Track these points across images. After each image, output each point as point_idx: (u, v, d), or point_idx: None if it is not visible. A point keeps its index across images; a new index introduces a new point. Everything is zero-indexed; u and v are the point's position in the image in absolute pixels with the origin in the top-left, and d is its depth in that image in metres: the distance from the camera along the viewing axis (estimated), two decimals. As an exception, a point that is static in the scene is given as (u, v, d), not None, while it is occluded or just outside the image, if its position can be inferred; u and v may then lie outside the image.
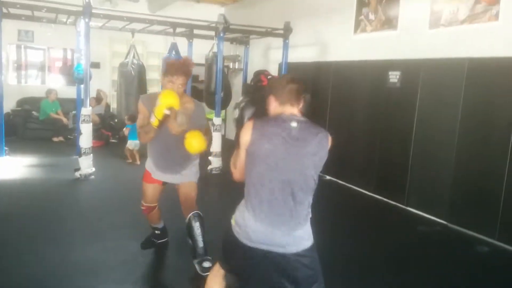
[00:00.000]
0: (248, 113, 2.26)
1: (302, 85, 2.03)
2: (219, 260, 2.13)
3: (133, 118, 6.91)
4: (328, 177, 6.46)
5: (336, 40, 6.46)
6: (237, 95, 7.99)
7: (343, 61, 6.21)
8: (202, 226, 3.04)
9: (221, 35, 6.29)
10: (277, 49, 7.95)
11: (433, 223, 4.74)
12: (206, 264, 2.96)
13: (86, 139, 5.73)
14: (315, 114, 6.76)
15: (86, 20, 5.55)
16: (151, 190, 3.23)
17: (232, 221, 1.98)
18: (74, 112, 8.78)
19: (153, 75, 9.44)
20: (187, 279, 3.22)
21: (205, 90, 7.52)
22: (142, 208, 3.34)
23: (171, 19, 6.24)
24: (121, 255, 3.52)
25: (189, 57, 2.91)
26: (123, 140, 8.75)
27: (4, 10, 5.75)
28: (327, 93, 6.49)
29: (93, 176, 5.81)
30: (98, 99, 8.85)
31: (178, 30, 7.05)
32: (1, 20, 5.67)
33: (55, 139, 8.47)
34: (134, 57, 7.15)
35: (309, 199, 1.95)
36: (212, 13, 9.00)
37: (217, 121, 6.44)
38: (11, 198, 4.91)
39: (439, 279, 3.41)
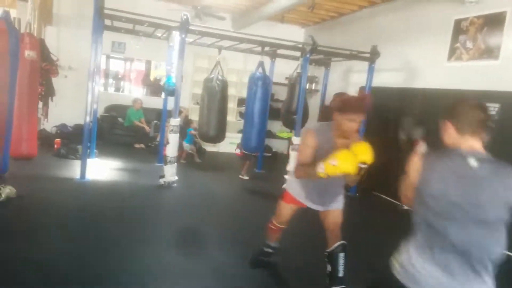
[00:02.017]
0: (417, 132, 2.06)
1: (489, 114, 1.75)
2: None
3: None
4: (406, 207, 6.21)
5: (426, 66, 6.28)
6: (314, 116, 8.00)
7: (433, 88, 6.01)
8: (346, 257, 2.98)
9: (308, 56, 6.34)
10: (357, 72, 7.89)
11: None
12: None
13: (172, 148, 5.97)
14: (394, 141, 6.62)
15: (183, 35, 5.84)
16: (288, 212, 3.18)
17: (395, 262, 1.82)
18: (156, 121, 9.26)
19: (231, 91, 9.68)
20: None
21: (285, 109, 7.57)
22: (272, 227, 3.33)
23: (259, 37, 6.39)
24: (210, 263, 3.60)
25: (367, 93, 2.70)
26: (199, 151, 9.09)
27: (107, 23, 6.17)
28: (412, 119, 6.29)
29: (175, 184, 6.02)
30: (180, 112, 9.22)
31: (262, 49, 7.22)
32: (103, 32, 6.10)
33: (136, 145, 8.92)
34: (218, 73, 7.36)
35: (496, 252, 1.66)
36: (293, 33, 9.18)
37: (295, 140, 6.45)
38: (103, 196, 5.24)
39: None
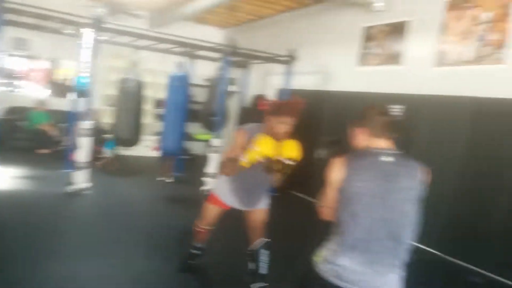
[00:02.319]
0: (334, 150, 2.19)
1: (393, 117, 1.98)
2: None
3: None
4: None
5: (339, 70, 6.61)
6: (234, 118, 8.02)
7: (346, 91, 6.34)
8: (270, 255, 3.04)
9: (228, 58, 6.34)
10: (276, 75, 8.06)
11: (426, 252, 4.82)
12: None
13: (83, 153, 5.60)
14: (310, 142, 6.87)
15: (96, 34, 5.52)
16: (213, 213, 3.17)
17: (317, 258, 1.92)
18: (62, 124, 8.64)
19: (147, 92, 9.34)
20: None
21: (204, 111, 7.49)
22: (198, 230, 3.28)
23: (179, 38, 6.26)
24: (131, 272, 3.43)
25: (299, 97, 2.82)
26: (117, 156, 8.66)
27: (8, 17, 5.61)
28: (325, 120, 6.59)
29: (88, 191, 5.65)
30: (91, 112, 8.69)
31: (181, 49, 7.08)
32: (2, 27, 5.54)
33: (40, 150, 8.23)
34: (134, 73, 7.08)
35: (408, 238, 1.86)
36: (212, 35, 9.13)
37: (216, 142, 6.41)
38: (3, 208, 4.72)
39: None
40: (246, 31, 9.21)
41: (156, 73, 9.60)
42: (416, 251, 4.72)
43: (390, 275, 1.82)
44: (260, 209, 3.12)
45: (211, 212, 3.18)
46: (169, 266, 3.56)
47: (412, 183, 1.86)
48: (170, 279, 3.39)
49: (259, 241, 3.06)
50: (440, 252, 4.74)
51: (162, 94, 9.66)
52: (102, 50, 8.71)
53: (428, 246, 4.85)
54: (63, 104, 9.02)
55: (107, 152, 7.57)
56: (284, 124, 2.73)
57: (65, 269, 3.34)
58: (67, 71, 9.97)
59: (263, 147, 2.56)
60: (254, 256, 3.05)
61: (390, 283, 1.82)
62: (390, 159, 1.85)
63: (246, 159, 2.61)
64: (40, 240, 3.88)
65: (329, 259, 1.85)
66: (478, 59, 4.64)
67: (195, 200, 6.13)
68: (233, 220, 3.40)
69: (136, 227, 4.66)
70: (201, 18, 9.02)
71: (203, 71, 8.49)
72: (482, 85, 4.56)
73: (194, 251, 3.48)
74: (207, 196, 3.25)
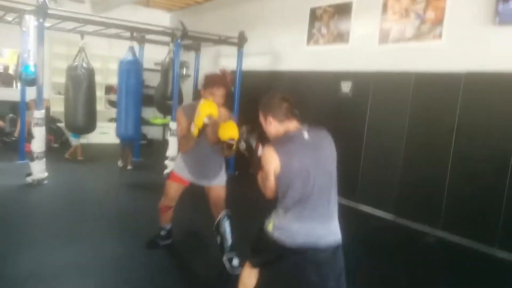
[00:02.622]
0: (253, 139, 2.44)
1: (293, 98, 2.26)
2: (252, 261, 2.37)
3: None
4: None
5: (289, 51, 6.82)
6: (188, 101, 8.06)
7: (296, 71, 6.58)
8: (231, 224, 3.22)
9: (179, 41, 6.36)
10: (227, 57, 8.15)
11: (383, 219, 5.22)
12: (235, 262, 3.14)
13: (39, 143, 5.50)
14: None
15: (41, 20, 5.35)
16: (174, 189, 3.36)
17: (270, 228, 2.18)
18: (11, 115, 8.32)
19: (97, 79, 9.13)
20: (180, 279, 3.31)
21: (160, 95, 7.47)
22: (161, 206, 3.47)
23: (127, 22, 6.18)
24: (100, 257, 3.51)
25: (226, 69, 3.12)
26: (66, 144, 8.46)
27: None
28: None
29: (46, 181, 5.57)
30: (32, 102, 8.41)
31: (129, 34, 6.99)
32: None
33: (-11, 143, 7.91)
34: (83, 60, 6.91)
35: (336, 193, 2.22)
36: (158, 18, 9.03)
37: (173, 125, 6.46)
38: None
39: (395, 268, 3.82)
40: (193, 14, 9.16)
41: (105, 58, 9.39)
42: (374, 218, 5.14)
43: (333, 224, 2.20)
44: (218, 186, 3.33)
45: (171, 188, 3.38)
46: (139, 249, 3.67)
47: (331, 149, 2.24)
48: (142, 260, 3.50)
49: (221, 214, 3.26)
50: (396, 217, 5.15)
51: (112, 80, 9.56)
52: (47, 37, 8.49)
53: (384, 211, 5.27)
54: (9, 94, 8.68)
55: (74, 141, 7.44)
56: (214, 96, 2.97)
57: (35, 260, 3.34)
58: (9, 59, 9.54)
59: (204, 109, 2.80)
60: (218, 229, 3.24)
61: (334, 230, 2.19)
62: (306, 135, 2.15)
63: (194, 127, 2.85)
64: (6, 233, 3.84)
65: (282, 227, 2.14)
66: (418, 36, 5.00)
67: (157, 184, 6.18)
68: (197, 199, 3.58)
69: (101, 214, 4.69)
70: (146, 1, 8.87)
71: (153, 55, 8.43)
72: (422, 60, 4.93)
73: (162, 233, 3.64)
74: (169, 175, 3.48)
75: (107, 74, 9.53)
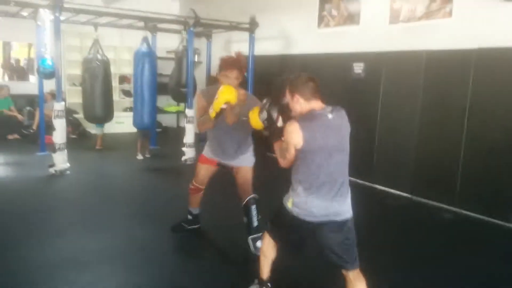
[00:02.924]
0: (274, 111, 2.56)
1: (318, 80, 2.38)
2: (271, 234, 2.55)
3: None
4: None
5: (300, 34, 6.86)
6: (202, 87, 8.17)
7: (308, 54, 6.62)
8: (257, 208, 3.38)
9: (191, 29, 6.44)
10: (238, 42, 8.19)
11: (399, 197, 5.31)
12: (259, 244, 3.16)
13: (60, 134, 5.67)
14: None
15: (57, 14, 5.48)
16: (204, 171, 3.54)
17: (289, 205, 2.34)
18: (28, 108, 8.53)
19: (111, 69, 9.28)
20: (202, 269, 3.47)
21: (174, 83, 7.58)
22: (191, 187, 3.61)
23: (140, 13, 6.28)
24: (129, 241, 3.68)
25: (241, 52, 3.21)
26: (83, 135, 8.66)
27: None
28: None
29: (68, 172, 5.77)
30: (53, 95, 8.58)
31: (141, 23, 7.09)
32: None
33: (9, 136, 8.14)
34: (98, 52, 7.05)
35: (346, 173, 2.39)
36: (166, 6, 9.07)
37: (189, 113, 6.59)
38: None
39: (413, 243, 3.94)
40: (201, 1, 9.18)
41: (118, 49, 9.51)
42: (390, 197, 5.22)
43: (346, 201, 2.35)
44: (244, 167, 3.44)
45: (201, 170, 3.55)
46: (166, 231, 3.82)
47: (347, 128, 2.39)
48: (169, 244, 3.67)
49: (247, 198, 3.39)
50: (412, 195, 5.24)
51: (125, 70, 9.70)
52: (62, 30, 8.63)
53: (401, 191, 5.35)
54: (25, 87, 8.88)
55: (98, 131, 7.63)
56: (228, 78, 3.08)
57: (66, 247, 3.51)
58: (22, 53, 9.74)
59: (223, 94, 2.89)
60: (245, 211, 3.39)
61: (347, 206, 2.35)
62: (330, 115, 2.29)
63: (212, 110, 2.96)
64: (35, 222, 4.02)
65: (301, 204, 2.29)
66: (428, 14, 5.02)
67: (178, 170, 6.38)
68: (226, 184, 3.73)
69: (126, 200, 4.87)
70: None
71: (164, 43, 8.53)
72: (433, 38, 4.96)
73: (189, 217, 3.78)
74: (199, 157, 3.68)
75: (120, 64, 9.65)
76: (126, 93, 9.82)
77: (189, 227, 3.79)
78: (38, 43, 6.73)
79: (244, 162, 3.45)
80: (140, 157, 6.97)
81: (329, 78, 6.23)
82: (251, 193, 3.41)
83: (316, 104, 2.32)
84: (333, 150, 2.27)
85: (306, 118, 2.28)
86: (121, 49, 9.62)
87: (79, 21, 6.86)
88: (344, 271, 2.37)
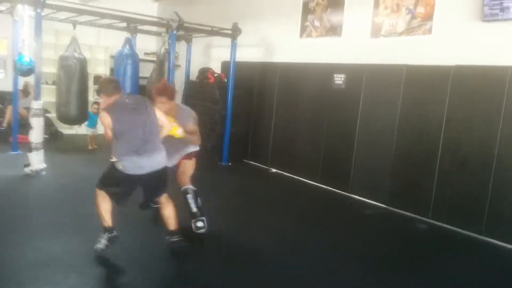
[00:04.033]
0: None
1: (117, 80, 3.59)
2: (104, 188, 3.33)
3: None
4: (274, 170, 7.00)
5: (282, 43, 6.97)
6: (180, 91, 8.13)
7: (290, 62, 6.74)
8: (194, 197, 3.96)
9: (174, 32, 6.43)
10: (218, 48, 8.25)
11: (376, 207, 5.47)
12: (199, 224, 3.91)
13: (37, 133, 5.53)
14: (261, 111, 7.26)
15: (38, 10, 5.35)
16: None
17: (120, 166, 3.23)
18: (0, 105, 8.23)
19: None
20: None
21: (153, 86, 7.50)
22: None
23: (122, 13, 6.21)
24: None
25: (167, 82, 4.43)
26: (55, 135, 8.41)
27: None
28: (273, 92, 6.99)
29: (44, 172, 5.60)
30: (25, 92, 8.32)
31: (122, 24, 7.01)
32: None
33: (-23, 134, 7.81)
34: (75, 50, 6.90)
35: (155, 139, 3.34)
36: (145, 8, 8.99)
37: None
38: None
39: (388, 252, 4.09)
40: (181, 5, 9.12)
41: (93, 48, 9.33)
42: (368, 207, 5.36)
43: (155, 158, 3.31)
44: (186, 162, 4.13)
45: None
46: (147, 231, 3.80)
47: (144, 110, 3.30)
48: (156, 246, 3.67)
49: (183, 188, 3.99)
50: (388, 205, 5.41)
51: (101, 70, 9.53)
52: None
53: (378, 202, 5.51)
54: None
55: (89, 131, 7.71)
56: (162, 104, 3.70)
57: (40, 247, 3.45)
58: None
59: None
60: (184, 199, 3.94)
61: (158, 157, 3.34)
62: (128, 100, 3.33)
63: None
64: (10, 222, 3.91)
65: (128, 164, 3.22)
66: (409, 30, 5.24)
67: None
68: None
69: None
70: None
71: (143, 45, 8.46)
72: (413, 53, 5.17)
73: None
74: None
75: (96, 64, 9.47)
76: (100, 93, 9.62)
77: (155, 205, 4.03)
78: (14, 39, 6.52)
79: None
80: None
81: (310, 87, 6.42)
82: (184, 184, 4.00)
83: (116, 96, 3.27)
84: (133, 123, 3.21)
85: (110, 106, 3.21)
86: (97, 49, 9.45)
87: (57, 18, 6.69)
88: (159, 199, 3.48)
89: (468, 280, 3.61)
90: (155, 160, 3.31)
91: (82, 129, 8.69)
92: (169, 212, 3.47)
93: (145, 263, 3.37)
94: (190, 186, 3.98)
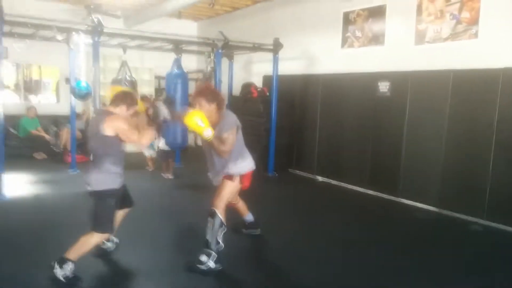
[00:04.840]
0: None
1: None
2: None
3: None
4: (321, 179, 7.10)
5: (324, 54, 7.13)
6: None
7: (332, 73, 6.88)
8: (214, 225, 3.48)
9: (220, 51, 6.70)
10: (258, 63, 8.49)
11: (427, 211, 5.48)
12: (202, 258, 3.43)
13: (98, 153, 5.86)
14: (305, 122, 7.40)
15: (96, 38, 5.73)
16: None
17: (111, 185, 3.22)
18: (55, 128, 8.74)
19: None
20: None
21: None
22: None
23: (171, 36, 6.55)
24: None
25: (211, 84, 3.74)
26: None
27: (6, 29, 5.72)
28: (316, 102, 7.14)
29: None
30: (78, 115, 8.82)
31: (168, 46, 7.36)
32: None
33: (36, 156, 8.32)
34: (126, 73, 7.31)
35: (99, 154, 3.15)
36: (186, 28, 9.42)
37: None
38: (33, 214, 4.95)
39: (441, 253, 4.11)
40: (221, 23, 9.49)
41: (138, 70, 9.78)
42: (420, 211, 5.36)
43: (90, 171, 3.20)
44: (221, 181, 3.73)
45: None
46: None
47: (99, 124, 3.06)
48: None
49: (210, 210, 3.56)
50: (439, 208, 5.42)
51: (145, 90, 9.96)
52: (87, 53, 8.90)
53: (429, 205, 5.53)
54: (47, 108, 9.12)
55: (147, 152, 7.71)
56: (200, 107, 3.44)
57: (119, 260, 3.70)
58: (46, 74, 10.03)
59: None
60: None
61: (88, 175, 3.21)
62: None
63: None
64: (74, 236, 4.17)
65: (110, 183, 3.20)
66: (454, 36, 5.28)
67: (203, 185, 6.50)
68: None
69: (171, 216, 5.05)
70: (179, 13, 9.26)
71: (186, 64, 8.80)
72: (459, 58, 5.20)
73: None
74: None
75: (141, 85, 9.90)
76: (147, 112, 10.05)
77: (247, 230, 4.23)
78: (71, 66, 6.97)
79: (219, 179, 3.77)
80: (169, 176, 7.14)
81: (354, 96, 6.51)
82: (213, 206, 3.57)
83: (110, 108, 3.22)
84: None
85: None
86: (142, 70, 9.90)
87: (109, 44, 7.11)
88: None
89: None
90: (86, 175, 3.20)
91: (130, 147, 9.10)
92: (81, 239, 3.20)
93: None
94: (218, 212, 3.51)
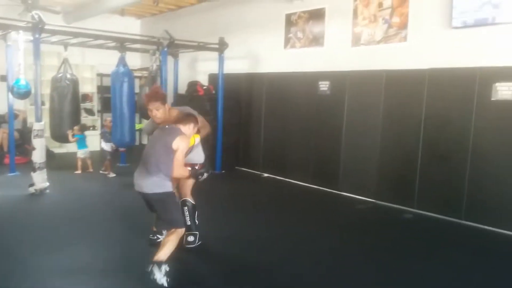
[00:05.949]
0: None
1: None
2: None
3: (83, 129, 7.13)
4: (266, 175, 7.36)
5: (268, 54, 7.38)
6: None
7: (276, 72, 7.15)
8: (188, 210, 3.94)
9: (165, 49, 6.74)
10: (204, 61, 8.59)
11: (365, 202, 5.89)
12: (190, 238, 3.94)
13: (40, 153, 5.72)
14: (250, 120, 7.62)
15: (37, 35, 5.58)
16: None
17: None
18: (-10, 128, 8.31)
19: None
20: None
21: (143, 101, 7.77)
22: None
23: (115, 34, 6.49)
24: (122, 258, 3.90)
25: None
26: (48, 154, 8.52)
27: None
28: (261, 101, 7.38)
29: (48, 190, 5.80)
30: (14, 115, 8.44)
31: (111, 43, 7.26)
32: None
33: (-30, 158, 7.88)
34: (67, 71, 7.14)
35: (152, 164, 3.35)
36: (129, 26, 9.28)
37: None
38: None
39: (380, 240, 4.49)
40: (164, 21, 9.45)
41: (79, 67, 9.51)
42: (359, 202, 5.74)
43: (142, 176, 3.38)
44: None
45: None
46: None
47: (167, 133, 3.42)
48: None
49: (181, 201, 3.94)
50: (376, 199, 5.84)
51: (87, 89, 9.73)
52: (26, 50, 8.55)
53: (367, 197, 5.93)
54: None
55: (81, 153, 7.39)
56: (157, 109, 3.65)
57: (52, 260, 3.68)
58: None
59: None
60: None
61: (140, 180, 3.40)
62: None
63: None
64: (24, 239, 4.12)
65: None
66: (386, 38, 5.71)
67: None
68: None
69: (108, 215, 5.03)
70: (122, 10, 9.12)
71: (129, 62, 8.69)
72: (391, 59, 5.64)
73: None
74: None
75: (82, 83, 9.63)
76: (88, 111, 9.83)
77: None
78: (8, 63, 6.70)
79: None
80: (112, 174, 7.09)
81: (296, 94, 6.82)
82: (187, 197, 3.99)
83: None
84: (152, 140, 3.53)
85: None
86: (83, 67, 9.65)
87: (49, 41, 6.89)
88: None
89: (451, 259, 4.03)
90: (137, 181, 3.40)
91: (73, 147, 8.85)
92: (166, 241, 3.33)
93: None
94: (189, 199, 3.98)
